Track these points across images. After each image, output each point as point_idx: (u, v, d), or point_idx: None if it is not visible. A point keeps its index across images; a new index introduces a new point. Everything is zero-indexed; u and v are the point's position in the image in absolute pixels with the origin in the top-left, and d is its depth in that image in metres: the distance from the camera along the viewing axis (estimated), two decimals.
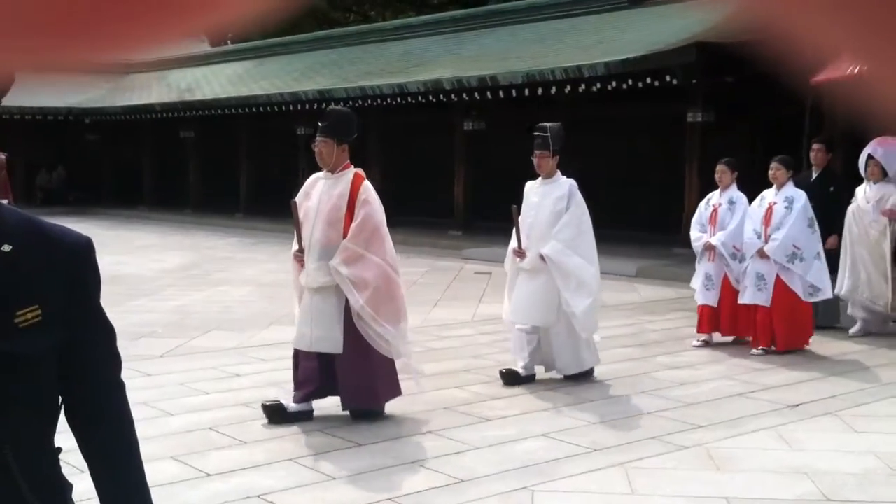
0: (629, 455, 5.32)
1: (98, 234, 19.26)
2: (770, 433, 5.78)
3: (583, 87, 14.91)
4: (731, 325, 8.49)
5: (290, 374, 7.20)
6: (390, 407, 6.29)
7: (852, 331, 9.08)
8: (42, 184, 27.56)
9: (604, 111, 16.28)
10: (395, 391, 6.08)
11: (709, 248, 8.53)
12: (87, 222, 22.60)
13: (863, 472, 5.06)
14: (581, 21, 18.33)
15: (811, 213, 8.19)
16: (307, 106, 20.30)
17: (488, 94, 16.50)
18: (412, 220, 19.45)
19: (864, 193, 9.16)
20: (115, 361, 1.97)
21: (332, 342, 5.86)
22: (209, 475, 4.95)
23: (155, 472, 4.92)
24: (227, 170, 24.26)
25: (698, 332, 8.60)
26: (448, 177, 18.51)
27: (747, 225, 8.33)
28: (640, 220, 16.24)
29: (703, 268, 8.66)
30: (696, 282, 8.76)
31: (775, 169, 8.35)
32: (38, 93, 24.76)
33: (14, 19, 0.37)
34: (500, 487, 4.78)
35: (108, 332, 1.95)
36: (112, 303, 10.95)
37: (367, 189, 5.97)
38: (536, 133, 7.13)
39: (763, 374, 7.46)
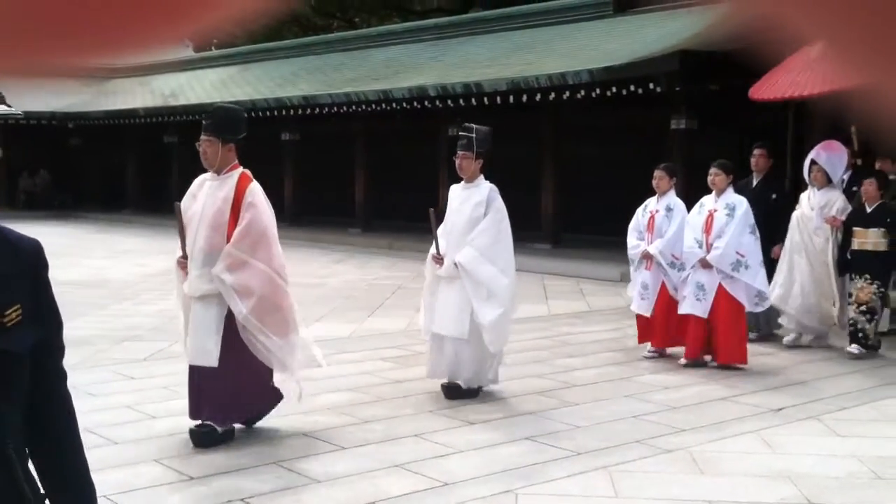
0: (613, 458, 5.33)
1: (82, 237, 19.27)
2: (753, 437, 5.81)
3: (567, 94, 14.96)
4: (665, 335, 8.19)
5: (274, 377, 7.19)
6: (374, 412, 6.29)
7: (786, 340, 8.85)
8: (25, 187, 27.42)
9: (588, 118, 16.34)
10: (271, 399, 5.78)
11: (646, 256, 8.23)
12: (70, 226, 22.49)
13: (845, 476, 5.09)
14: (565, 29, 18.40)
15: (752, 219, 7.93)
16: (292, 112, 20.29)
17: (473, 100, 16.52)
18: (397, 225, 19.46)
19: (808, 200, 8.90)
20: (62, 352, 2.07)
21: (206, 355, 5.45)
22: (192, 478, 4.93)
23: (138, 475, 4.91)
24: None
25: (640, 342, 8.35)
26: (433, 182, 18.52)
27: (687, 233, 8.05)
28: (625, 226, 16.27)
29: (639, 276, 8.34)
30: (632, 290, 8.49)
31: (714, 175, 8.06)
32: (22, 97, 24.64)
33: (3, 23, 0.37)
34: (484, 491, 4.79)
35: (60, 326, 2.04)
36: (95, 306, 10.97)
37: (254, 191, 5.57)
38: (462, 133, 6.86)
39: (746, 378, 7.50)
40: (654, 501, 4.68)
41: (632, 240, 8.42)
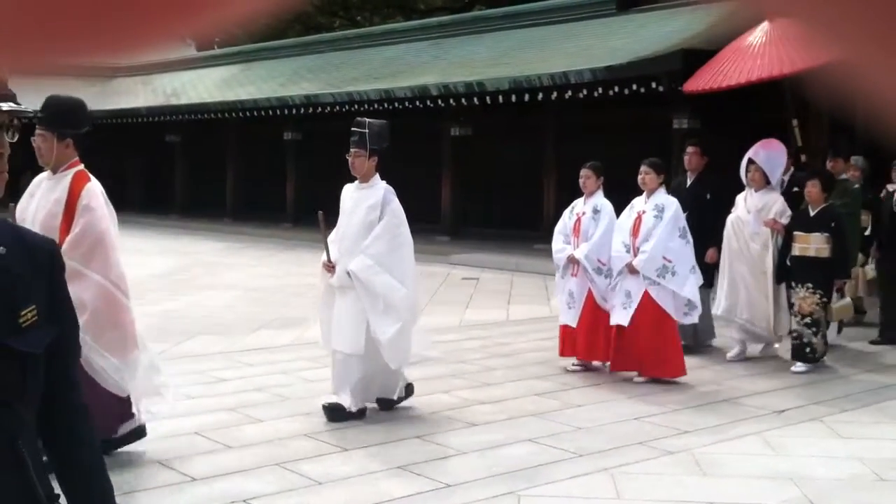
0: (615, 460, 5.33)
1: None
2: (756, 439, 5.80)
3: (569, 93, 14.95)
4: (591, 347, 7.54)
5: (276, 379, 7.20)
6: (376, 415, 6.28)
7: (730, 354, 8.21)
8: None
9: (590, 117, 16.32)
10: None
11: (572, 261, 7.59)
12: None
13: (848, 478, 5.09)
14: (567, 27, 18.38)
15: (683, 221, 7.36)
16: (294, 111, 20.29)
17: (475, 99, 16.51)
18: None
19: (745, 202, 8.22)
20: (79, 352, 2.11)
21: None
22: (195, 480, 4.93)
23: (141, 476, 4.91)
24: (213, 174, 24.21)
25: (561, 354, 7.72)
26: (435, 182, 18.52)
27: (616, 237, 7.43)
28: None
29: (565, 283, 7.70)
30: (558, 299, 7.87)
31: (644, 174, 7.48)
32: (24, 95, 24.63)
33: (11, 20, 0.37)
34: (487, 492, 4.78)
35: (76, 326, 2.06)
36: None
37: (91, 193, 4.97)
38: (353, 129, 6.27)
39: (749, 380, 7.49)
40: (656, 503, 4.68)
41: (557, 243, 7.80)
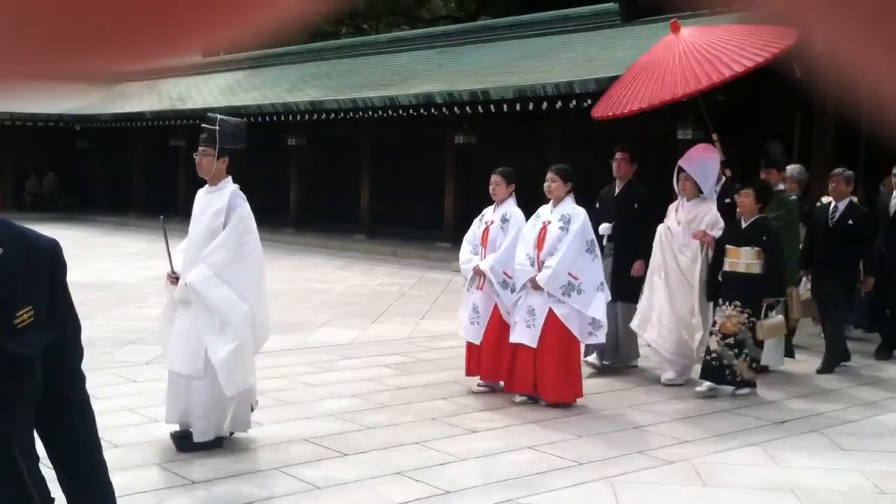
0: (615, 469, 5.32)
1: (87, 240, 19.32)
2: (756, 449, 5.79)
3: (573, 103, 14.95)
4: (496, 366, 7.00)
5: (277, 383, 7.19)
6: (376, 418, 6.28)
7: (664, 378, 7.56)
8: (32, 189, 27.49)
9: (594, 127, 16.32)
10: None
11: (478, 273, 7.09)
12: (76, 229, 22.51)
13: (849, 490, 5.07)
14: (572, 38, 18.40)
15: (591, 234, 6.83)
16: (299, 117, 20.32)
17: (479, 108, 16.53)
18: (402, 232, 19.45)
19: (676, 213, 7.70)
20: (82, 354, 2.05)
21: None
22: (194, 482, 4.92)
23: (140, 478, 4.91)
24: None
25: (467, 374, 7.20)
26: (439, 190, 18.53)
27: (519, 248, 6.90)
28: None
29: (470, 297, 7.18)
30: (462, 314, 7.33)
31: (550, 181, 6.95)
32: (29, 99, 24.70)
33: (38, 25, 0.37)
34: (486, 499, 4.77)
35: (78, 327, 2.02)
36: (99, 309, 10.99)
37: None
38: (203, 125, 5.73)
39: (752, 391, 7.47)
40: None
41: (464, 254, 7.27)
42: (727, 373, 7.06)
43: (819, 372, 8.14)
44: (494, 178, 7.24)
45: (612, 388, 7.41)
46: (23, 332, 1.79)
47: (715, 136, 8.04)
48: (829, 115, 12.62)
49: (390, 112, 18.21)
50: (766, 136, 13.55)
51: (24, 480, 1.79)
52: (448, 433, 6.00)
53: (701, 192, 7.55)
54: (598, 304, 6.73)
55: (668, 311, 7.50)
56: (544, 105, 15.49)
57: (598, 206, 8.23)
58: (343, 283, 14.21)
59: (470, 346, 7.16)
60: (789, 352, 8.32)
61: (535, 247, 6.82)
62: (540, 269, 6.71)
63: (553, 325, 6.66)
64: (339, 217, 21.47)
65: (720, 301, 7.20)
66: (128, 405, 6.41)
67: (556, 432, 6.09)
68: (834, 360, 8.27)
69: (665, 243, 7.56)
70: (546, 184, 6.98)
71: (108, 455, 2.05)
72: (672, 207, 7.75)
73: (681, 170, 7.60)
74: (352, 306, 11.71)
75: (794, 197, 8.49)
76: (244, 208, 5.51)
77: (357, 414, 6.40)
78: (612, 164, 8.20)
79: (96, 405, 1.99)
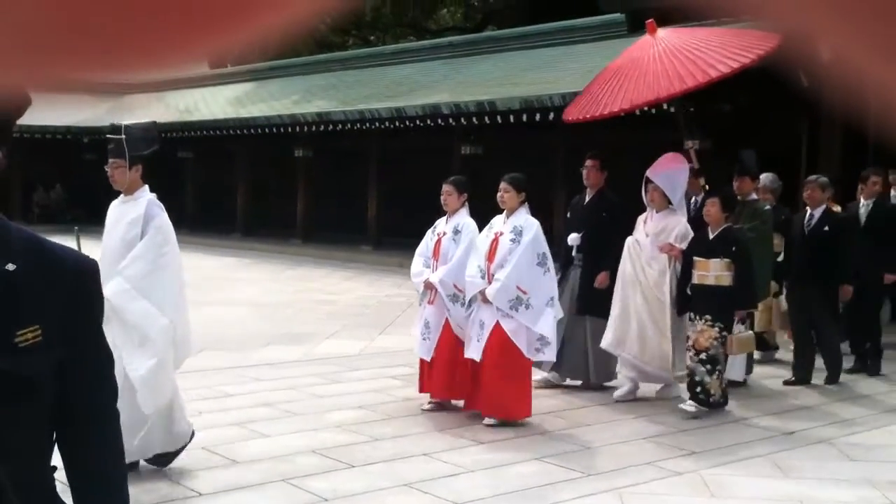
0: (623, 480, 5.30)
1: (95, 252, 19.46)
2: (765, 460, 5.76)
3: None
4: (446, 384, 6.76)
5: (284, 394, 7.19)
6: (383, 430, 6.27)
7: (617, 394, 7.33)
8: (40, 201, 27.59)
9: (601, 138, 16.33)
10: None
11: (428, 286, 6.85)
12: (83, 241, 22.55)
13: (858, 501, 5.05)
14: (578, 48, 18.42)
15: (544, 247, 6.53)
16: (306, 128, 20.38)
17: (486, 119, 16.55)
18: (409, 243, 19.41)
19: (645, 224, 7.42)
20: (112, 389, 1.92)
21: None
22: (201, 495, 4.92)
23: (147, 491, 4.90)
24: (224, 190, 24.30)
25: (420, 391, 6.95)
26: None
27: (472, 259, 6.65)
28: None
29: (422, 312, 6.96)
30: (415, 330, 7.10)
31: (503, 191, 6.73)
32: (37, 111, 24.81)
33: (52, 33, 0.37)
34: None
35: (107, 358, 1.90)
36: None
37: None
38: (109, 136, 5.50)
39: (758, 401, 7.45)
40: None
41: (416, 267, 7.04)
42: (698, 390, 6.80)
43: (827, 383, 8.05)
44: (446, 187, 7.04)
45: (618, 398, 7.38)
46: (25, 352, 1.70)
47: (689, 145, 7.83)
48: (837, 123, 12.60)
49: (397, 123, 18.24)
50: (771, 146, 13.56)
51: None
52: (455, 444, 5.98)
53: (670, 203, 7.31)
54: (546, 320, 6.43)
55: (650, 325, 7.22)
56: (551, 115, 15.48)
57: (568, 215, 8.02)
58: (350, 293, 14.21)
59: (422, 362, 6.91)
60: (749, 367, 8.05)
61: (486, 259, 6.59)
62: (490, 282, 6.48)
63: (499, 340, 6.39)
64: (346, 228, 21.49)
65: (691, 315, 6.94)
66: None
67: (563, 443, 6.07)
68: (837, 369, 8.16)
69: (634, 256, 7.32)
70: (499, 194, 6.76)
71: None
72: (641, 219, 7.49)
73: (648, 180, 7.37)
74: (359, 317, 11.71)
75: (767, 207, 8.24)
76: (162, 218, 5.29)
77: (364, 425, 6.40)
78: (583, 172, 7.90)
79: None
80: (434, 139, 18.55)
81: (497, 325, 6.40)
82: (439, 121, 17.44)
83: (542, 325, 6.41)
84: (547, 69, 17.68)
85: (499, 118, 16.32)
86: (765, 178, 8.91)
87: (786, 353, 9.00)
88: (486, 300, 6.47)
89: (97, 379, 1.88)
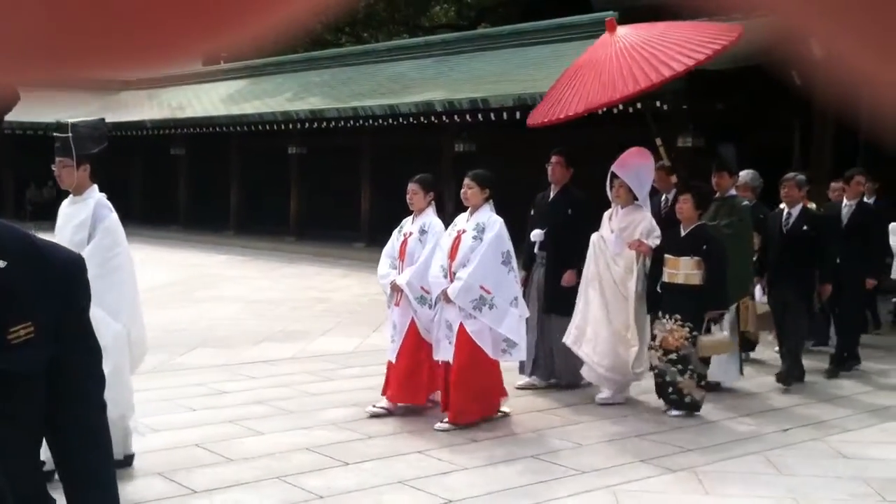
0: (618, 478, 5.30)
1: None
2: (759, 457, 5.78)
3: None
4: (408, 388, 6.55)
5: (278, 392, 7.19)
6: (377, 427, 6.27)
7: (599, 397, 7.12)
8: (32, 198, 27.51)
9: (594, 135, 16.35)
10: None
11: (395, 289, 6.65)
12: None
13: (851, 498, 5.06)
14: (571, 46, 18.41)
15: (507, 245, 6.33)
16: (299, 126, 20.35)
17: (479, 116, 16.56)
18: None
19: (610, 221, 7.25)
20: (101, 382, 1.95)
21: None
22: (195, 492, 4.91)
23: (141, 488, 4.90)
24: (217, 187, 24.26)
25: (382, 393, 6.70)
26: (438, 198, 18.55)
27: (436, 259, 6.46)
28: None
29: (390, 314, 6.80)
30: (386, 332, 6.94)
31: (467, 187, 6.56)
32: (29, 108, 24.73)
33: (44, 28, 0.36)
34: None
35: (96, 352, 1.93)
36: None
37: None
38: (55, 134, 5.28)
39: (752, 398, 7.46)
40: None
41: (382, 268, 6.80)
42: (671, 391, 6.66)
43: (777, 380, 7.77)
44: (411, 186, 6.81)
45: (601, 402, 7.39)
46: (17, 349, 1.72)
47: (658, 142, 7.67)
48: (829, 121, 12.63)
49: (390, 120, 18.23)
50: (764, 144, 13.60)
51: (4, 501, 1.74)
52: (449, 442, 5.98)
53: (636, 198, 7.15)
54: (510, 320, 6.22)
55: (605, 325, 7.02)
56: None
57: (532, 212, 7.82)
58: (344, 291, 14.20)
59: (388, 365, 6.72)
60: (740, 369, 7.80)
61: (449, 257, 6.40)
62: (453, 281, 6.27)
63: (464, 342, 6.19)
64: (339, 225, 21.47)
65: (659, 314, 6.74)
66: None
67: (557, 441, 6.08)
68: (792, 372, 7.84)
69: (599, 253, 7.13)
70: (462, 190, 6.59)
71: None
72: (606, 215, 7.32)
73: (614, 176, 7.19)
74: (353, 315, 11.71)
75: (746, 202, 8.01)
76: (112, 219, 5.11)
77: (359, 423, 6.39)
78: (548, 168, 7.79)
79: None
80: (427, 136, 18.54)
81: (461, 326, 6.20)
82: (433, 118, 17.44)
83: (506, 326, 6.21)
84: (540, 66, 17.68)
85: (492, 115, 16.33)
86: (745, 174, 8.78)
87: (764, 350, 9.01)
88: (448, 300, 6.25)
89: (87, 372, 1.91)
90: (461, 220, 6.56)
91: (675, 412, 6.71)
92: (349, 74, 22.68)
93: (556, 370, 7.50)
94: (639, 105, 11.41)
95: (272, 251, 20.33)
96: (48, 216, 29.32)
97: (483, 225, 6.36)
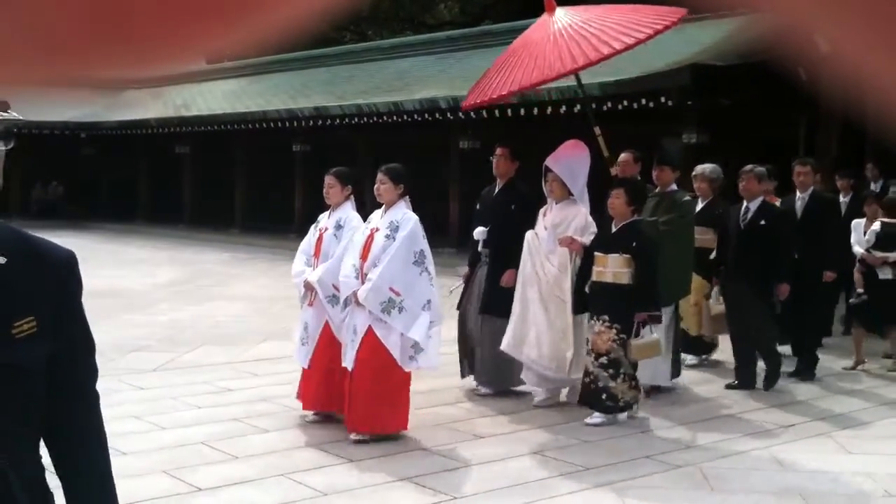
0: (621, 474, 5.30)
1: (93, 247, 19.43)
2: (763, 453, 5.77)
3: (577, 107, 14.96)
4: (324, 395, 6.19)
5: (282, 389, 7.20)
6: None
7: (537, 400, 6.91)
8: (38, 197, 27.56)
9: (600, 131, 16.34)
10: None
11: (308, 287, 6.30)
12: (82, 236, 22.55)
13: (857, 494, 5.06)
14: None
15: (422, 245, 5.99)
16: (303, 123, 20.36)
17: (484, 113, 16.54)
18: None
19: (544, 217, 6.94)
20: (94, 374, 1.97)
21: None
22: (200, 489, 4.93)
23: (146, 485, 4.91)
24: (222, 185, 24.27)
25: (297, 398, 6.40)
26: (443, 195, 18.54)
27: (347, 257, 6.06)
28: None
29: (302, 315, 6.43)
30: (295, 334, 6.68)
31: (380, 182, 6.20)
32: (34, 107, 24.79)
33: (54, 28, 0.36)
34: None
35: (90, 345, 1.95)
36: (105, 316, 10.99)
37: None
38: None
39: (756, 394, 7.44)
40: None
41: (297, 265, 6.47)
42: (604, 397, 6.28)
43: (765, 388, 7.47)
44: (328, 179, 6.52)
45: (537, 405, 7.38)
46: (21, 343, 1.74)
47: (598, 132, 7.36)
48: (835, 117, 12.61)
49: (394, 118, 18.24)
50: (770, 140, 13.58)
51: (16, 498, 1.75)
52: (453, 439, 5.99)
53: (571, 193, 6.86)
54: (420, 325, 5.81)
55: (546, 326, 6.70)
56: (549, 110, 15.50)
57: (478, 207, 7.54)
58: None
59: (302, 371, 6.38)
60: (676, 370, 7.44)
61: (360, 256, 6.01)
62: (363, 282, 5.89)
63: (371, 346, 5.79)
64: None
65: (590, 316, 6.44)
66: (134, 412, 6.42)
67: (561, 438, 6.07)
68: (775, 373, 7.53)
69: (534, 251, 6.81)
70: (375, 186, 6.23)
71: (114, 462, 2.03)
72: (541, 211, 7.00)
73: (548, 169, 6.89)
74: None
75: (688, 198, 7.61)
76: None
77: None
78: (493, 162, 7.42)
79: (102, 412, 1.96)
80: (431, 133, 18.54)
81: (370, 330, 5.81)
82: (437, 115, 17.44)
83: (415, 331, 5.80)
84: None
85: (496, 112, 16.31)
86: (705, 167, 8.35)
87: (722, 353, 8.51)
88: (357, 301, 5.87)
89: (84, 364, 1.93)
90: (375, 218, 6.20)
91: (598, 418, 6.33)
92: (353, 71, 22.69)
93: (503, 375, 7.12)
94: (644, 101, 11.39)
95: (276, 249, 20.32)
96: (54, 215, 29.37)
97: (397, 223, 5.99)
